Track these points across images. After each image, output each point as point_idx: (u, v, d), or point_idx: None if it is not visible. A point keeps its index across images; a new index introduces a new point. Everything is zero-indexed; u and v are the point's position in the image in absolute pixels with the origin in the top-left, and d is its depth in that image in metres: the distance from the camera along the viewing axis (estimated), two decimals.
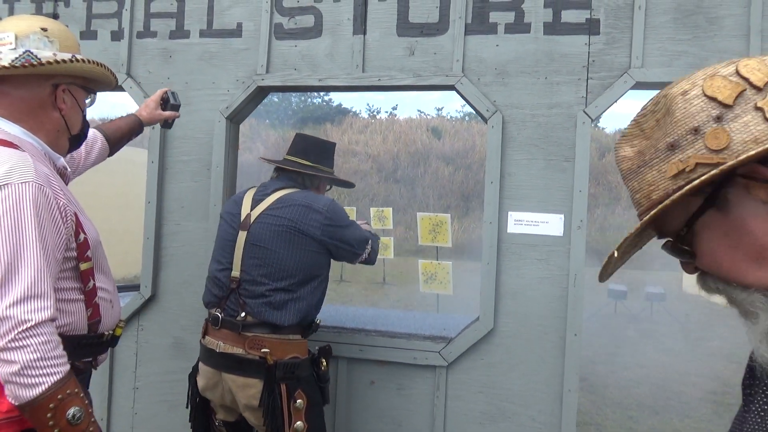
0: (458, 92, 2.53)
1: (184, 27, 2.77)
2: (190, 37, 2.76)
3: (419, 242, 7.75)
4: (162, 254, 2.77)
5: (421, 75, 2.54)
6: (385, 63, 2.59)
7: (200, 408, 2.25)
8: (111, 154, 2.09)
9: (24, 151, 1.39)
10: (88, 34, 2.87)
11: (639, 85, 2.37)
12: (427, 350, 2.49)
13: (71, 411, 1.25)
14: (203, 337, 2.19)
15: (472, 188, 21.84)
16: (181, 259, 2.74)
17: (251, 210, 2.18)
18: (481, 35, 2.50)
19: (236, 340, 2.07)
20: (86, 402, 1.32)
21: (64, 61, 1.45)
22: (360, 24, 2.60)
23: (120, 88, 2.82)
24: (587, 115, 2.38)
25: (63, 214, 1.38)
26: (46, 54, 1.43)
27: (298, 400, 2.05)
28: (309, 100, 30.97)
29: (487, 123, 2.49)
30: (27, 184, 1.31)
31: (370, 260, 2.39)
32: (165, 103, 2.27)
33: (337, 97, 30.98)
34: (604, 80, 2.38)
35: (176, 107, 2.29)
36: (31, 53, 1.41)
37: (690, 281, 14.15)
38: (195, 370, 2.26)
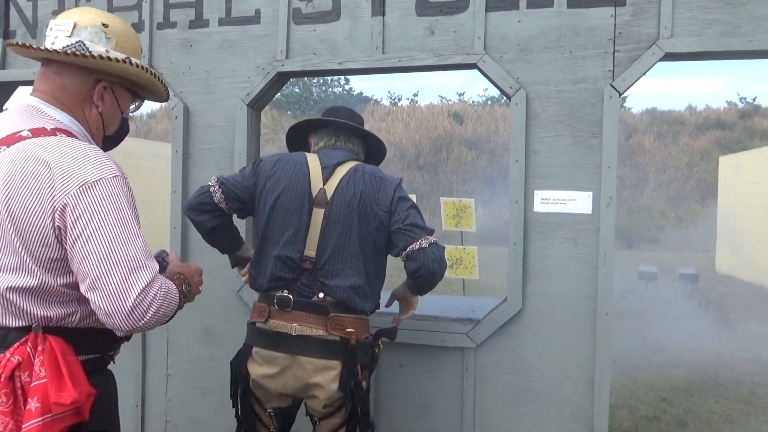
0: (480, 71, 2.48)
1: (203, 16, 2.77)
2: (210, 25, 2.76)
3: (443, 228, 7.71)
4: (189, 242, 2.79)
5: (442, 54, 2.50)
6: (405, 44, 2.55)
7: (246, 397, 2.09)
8: None
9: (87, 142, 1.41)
10: None
11: (668, 57, 2.29)
12: (455, 332, 2.47)
13: (183, 289, 1.49)
14: (265, 321, 2.00)
15: (496, 173, 21.65)
16: (208, 246, 2.76)
17: (324, 184, 2.02)
18: (503, 11, 2.45)
19: (316, 322, 1.96)
20: (178, 277, 1.51)
21: (112, 59, 1.44)
22: (379, 5, 2.57)
23: None
24: (614, 89, 2.31)
25: (135, 205, 1.42)
26: (98, 49, 1.43)
27: (363, 382, 2.02)
28: (330, 89, 30.97)
29: (510, 101, 2.44)
30: (117, 178, 1.35)
31: (427, 263, 1.97)
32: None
33: (357, 86, 30.99)
34: (631, 53, 2.31)
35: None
36: (83, 44, 1.42)
37: (723, 261, 13.86)
38: (243, 358, 2.06)
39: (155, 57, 2.84)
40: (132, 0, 2.86)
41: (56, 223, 1.29)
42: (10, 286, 1.32)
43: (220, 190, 2.05)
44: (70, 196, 1.28)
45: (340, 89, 31.06)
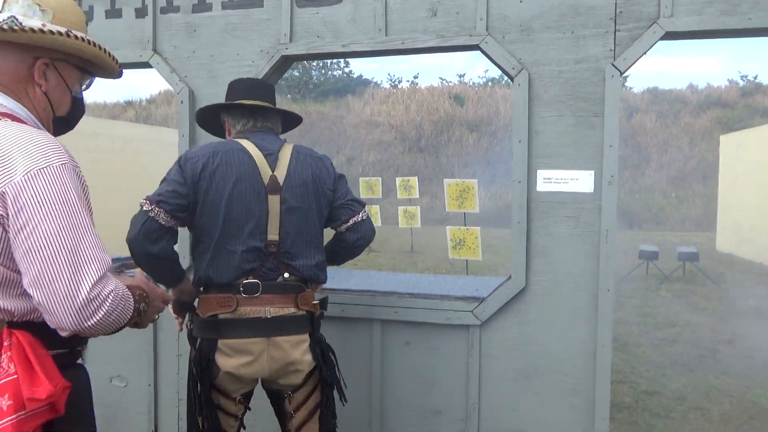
0: (483, 52, 2.50)
1: (206, 0, 2.78)
2: (213, 9, 2.78)
3: (446, 209, 7.74)
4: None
5: (445, 36, 2.52)
6: (407, 26, 2.57)
7: (208, 395, 2.03)
8: None
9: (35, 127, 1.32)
10: (113, 13, 2.91)
11: (669, 36, 2.31)
12: (460, 310, 2.52)
13: (140, 307, 1.39)
14: (233, 311, 1.98)
15: (497, 154, 21.63)
16: None
17: (274, 171, 2.04)
18: None
19: (285, 301, 2.03)
20: (140, 293, 1.40)
21: (49, 32, 1.32)
22: None
23: (147, 65, 2.86)
24: (616, 68, 2.34)
25: (87, 196, 1.35)
26: (32, 23, 1.31)
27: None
28: (329, 72, 30.81)
29: (513, 82, 2.47)
30: (65, 165, 1.26)
31: (366, 232, 2.20)
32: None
33: (357, 68, 30.80)
34: (632, 32, 2.33)
35: None
36: (15, 19, 1.29)
37: (723, 240, 13.91)
38: (209, 354, 1.99)
39: (159, 41, 2.86)
40: None
41: None
42: None
43: (162, 209, 1.92)
44: (12, 185, 1.19)
45: (340, 72, 30.91)
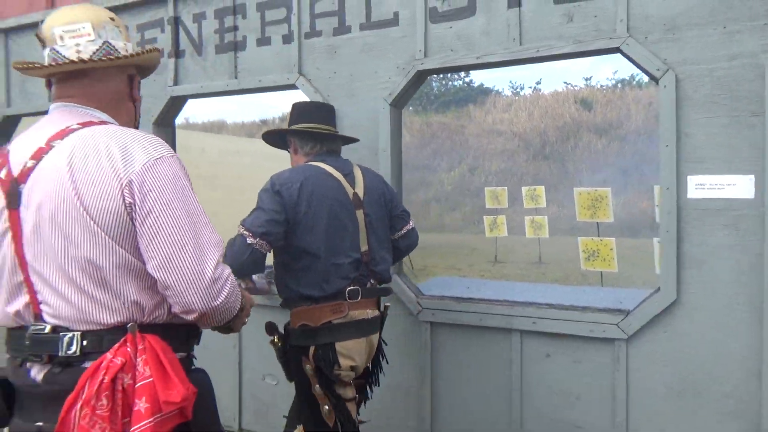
0: (624, 54, 2.41)
1: (345, 23, 2.95)
2: (351, 31, 2.94)
3: (577, 218, 7.45)
4: None
5: (582, 41, 2.47)
6: (542, 33, 2.55)
7: (336, 393, 2.25)
8: None
9: None
10: (263, 41, 3.17)
11: None
12: (605, 323, 2.43)
13: (242, 302, 1.42)
14: (345, 315, 2.19)
15: (629, 160, 20.40)
16: None
17: (354, 189, 2.30)
18: None
19: (373, 304, 2.33)
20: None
21: (140, 53, 1.44)
22: None
23: (293, 87, 3.09)
24: None
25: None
26: (120, 44, 1.42)
27: None
28: (450, 83, 30.91)
29: (658, 83, 2.35)
30: (174, 157, 1.36)
31: (414, 239, 2.58)
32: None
33: (478, 78, 30.56)
34: None
35: None
36: (110, 45, 1.40)
37: None
38: (331, 358, 2.18)
39: (304, 65, 3.07)
40: (281, 14, 3.11)
41: (126, 199, 1.26)
42: (96, 264, 1.27)
43: (265, 241, 2.12)
44: (135, 174, 1.27)
45: (461, 82, 30.88)
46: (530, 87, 33.87)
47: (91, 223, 1.26)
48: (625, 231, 13.50)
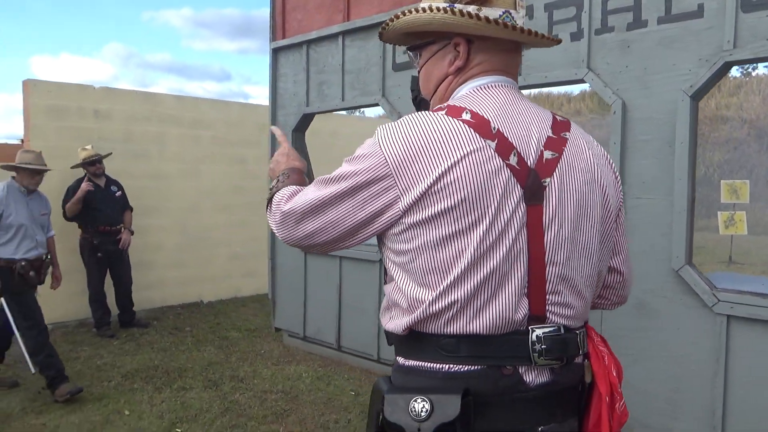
0: None
1: (641, 18, 3.02)
2: (648, 25, 3.00)
3: None
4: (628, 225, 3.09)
5: None
6: None
7: None
8: None
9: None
10: None
11: None
12: None
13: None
14: None
15: None
16: (644, 229, 3.02)
17: None
18: None
19: None
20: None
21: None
22: None
23: (581, 81, 3.24)
24: None
25: None
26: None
27: None
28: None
29: None
30: None
31: None
32: None
33: None
34: None
35: None
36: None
37: None
38: None
39: (593, 60, 3.21)
40: (570, 13, 3.28)
41: (620, 200, 1.27)
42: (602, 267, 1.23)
43: None
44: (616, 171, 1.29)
45: None
46: (765, 66, 29.60)
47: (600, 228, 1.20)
48: None
